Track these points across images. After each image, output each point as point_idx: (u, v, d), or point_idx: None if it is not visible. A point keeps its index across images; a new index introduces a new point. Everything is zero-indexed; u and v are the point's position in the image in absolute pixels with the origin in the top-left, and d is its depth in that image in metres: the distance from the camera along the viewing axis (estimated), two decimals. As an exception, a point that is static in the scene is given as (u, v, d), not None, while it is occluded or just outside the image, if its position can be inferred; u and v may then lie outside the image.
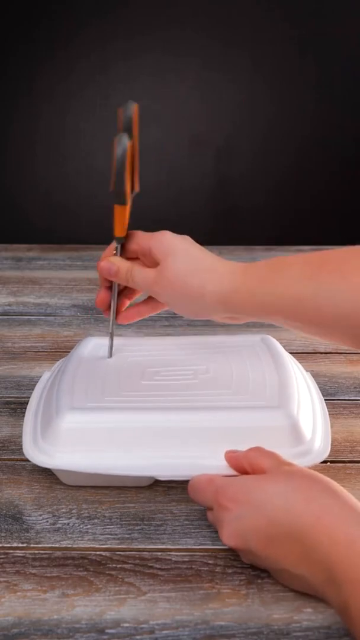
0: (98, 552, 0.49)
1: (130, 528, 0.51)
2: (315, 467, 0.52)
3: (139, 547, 0.49)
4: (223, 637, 0.42)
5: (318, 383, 0.65)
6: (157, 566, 0.48)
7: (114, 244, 0.59)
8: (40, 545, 0.50)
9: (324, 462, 0.55)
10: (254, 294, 0.53)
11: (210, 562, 0.48)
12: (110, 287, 0.60)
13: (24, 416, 0.59)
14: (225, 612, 0.44)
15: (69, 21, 1.19)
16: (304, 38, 1.20)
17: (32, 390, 0.63)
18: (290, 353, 0.66)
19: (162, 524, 0.51)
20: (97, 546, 0.49)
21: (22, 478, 0.56)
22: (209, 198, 1.31)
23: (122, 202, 0.56)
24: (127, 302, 0.62)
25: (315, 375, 0.68)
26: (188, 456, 0.52)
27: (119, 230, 0.57)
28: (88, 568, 0.48)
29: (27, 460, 0.54)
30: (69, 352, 0.68)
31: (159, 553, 0.49)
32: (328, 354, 0.77)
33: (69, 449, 0.53)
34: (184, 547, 0.49)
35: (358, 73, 1.22)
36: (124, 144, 0.54)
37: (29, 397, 0.62)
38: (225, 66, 1.22)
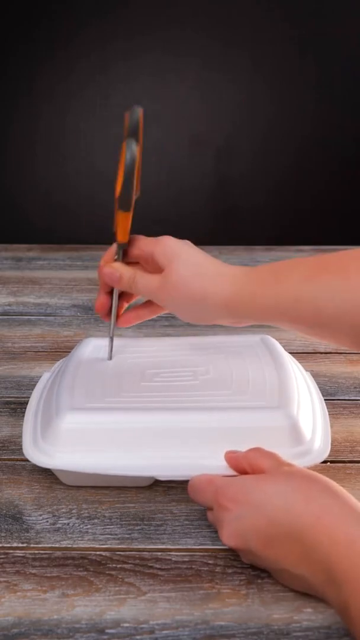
0: (98, 552, 0.49)
1: (130, 528, 0.51)
2: (315, 467, 0.52)
3: (139, 547, 0.49)
4: (223, 637, 0.42)
5: (318, 383, 0.65)
6: (157, 566, 0.48)
7: (114, 248, 0.58)
8: (40, 545, 0.50)
9: (324, 462, 0.55)
10: (255, 297, 0.53)
11: (210, 562, 0.48)
12: (110, 292, 0.60)
13: (24, 416, 0.59)
14: (225, 612, 0.44)
15: (69, 21, 1.19)
16: (304, 38, 1.20)
17: (32, 390, 0.63)
18: (290, 353, 0.66)
19: (162, 524, 0.52)
20: (97, 546, 0.49)
21: (22, 478, 0.56)
22: (209, 198, 1.31)
23: (127, 209, 0.56)
24: (126, 305, 0.62)
25: (315, 375, 0.68)
26: (188, 456, 0.52)
27: (122, 235, 0.57)
28: (88, 568, 0.48)
29: (27, 460, 0.54)
30: (69, 352, 0.68)
31: (159, 553, 0.49)
32: (328, 354, 0.77)
33: (69, 449, 0.53)
34: (184, 547, 0.49)
35: (358, 73, 1.22)
36: (133, 150, 0.53)
37: (29, 397, 0.62)
38: (225, 66, 1.22)
